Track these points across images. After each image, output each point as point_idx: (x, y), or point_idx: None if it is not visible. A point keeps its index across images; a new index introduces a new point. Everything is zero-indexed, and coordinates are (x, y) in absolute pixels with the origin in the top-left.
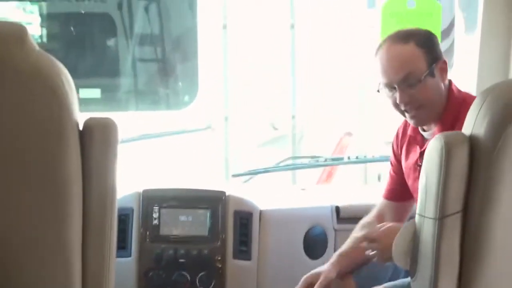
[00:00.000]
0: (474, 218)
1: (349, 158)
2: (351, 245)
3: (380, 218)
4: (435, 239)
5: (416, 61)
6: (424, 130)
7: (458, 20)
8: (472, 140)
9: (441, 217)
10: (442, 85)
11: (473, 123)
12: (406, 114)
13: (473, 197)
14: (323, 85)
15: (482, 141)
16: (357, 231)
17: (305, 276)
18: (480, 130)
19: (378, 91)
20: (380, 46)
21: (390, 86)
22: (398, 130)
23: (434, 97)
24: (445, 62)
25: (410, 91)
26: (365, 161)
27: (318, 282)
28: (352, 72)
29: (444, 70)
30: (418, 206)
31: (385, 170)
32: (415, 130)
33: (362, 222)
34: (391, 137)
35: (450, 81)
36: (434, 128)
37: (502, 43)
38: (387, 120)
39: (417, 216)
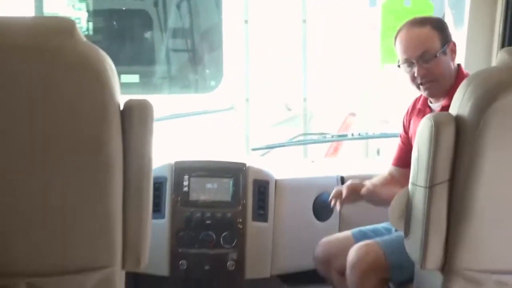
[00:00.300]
0: (459, 186)
1: (352, 135)
2: (380, 181)
3: (390, 178)
4: (425, 205)
5: (432, 40)
6: (431, 103)
7: (448, 17)
8: (458, 120)
9: (431, 186)
10: (452, 64)
11: (459, 105)
12: (421, 87)
13: (458, 169)
14: (330, 72)
15: (467, 121)
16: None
17: (349, 183)
18: (465, 111)
19: (399, 66)
20: (400, 29)
21: (409, 62)
22: (408, 107)
23: (445, 72)
24: (454, 44)
25: (426, 66)
26: (366, 137)
27: (364, 189)
28: (355, 61)
29: (454, 51)
30: (411, 176)
31: (384, 146)
32: (425, 103)
33: (378, 176)
34: (387, 116)
35: (459, 65)
36: (442, 101)
37: (486, 37)
38: (386, 104)
39: (410, 185)
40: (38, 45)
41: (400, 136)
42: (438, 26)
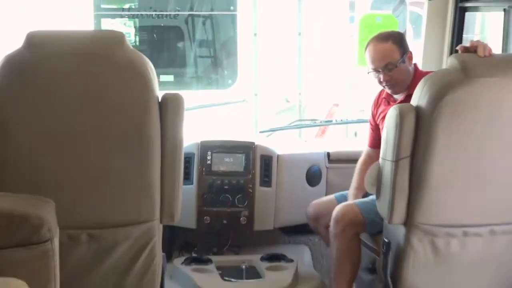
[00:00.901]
0: (418, 160)
1: (336, 120)
2: (359, 181)
3: (368, 158)
4: (392, 174)
5: (393, 54)
6: (395, 94)
7: (409, 31)
8: (417, 110)
9: (396, 160)
10: (410, 67)
11: (418, 99)
12: (386, 87)
13: (417, 147)
14: (320, 72)
15: (424, 111)
16: (357, 171)
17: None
18: (423, 103)
19: (368, 73)
20: (368, 43)
21: (376, 70)
22: (375, 99)
23: (405, 76)
24: (411, 53)
25: (389, 73)
26: (346, 122)
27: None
28: (338, 64)
29: (411, 58)
30: (381, 153)
31: (360, 129)
32: (389, 94)
33: (358, 164)
34: (363, 107)
35: (415, 64)
36: (403, 93)
37: (438, 46)
38: (362, 96)
39: (380, 159)
40: (96, 52)
41: (370, 123)
42: (398, 40)
